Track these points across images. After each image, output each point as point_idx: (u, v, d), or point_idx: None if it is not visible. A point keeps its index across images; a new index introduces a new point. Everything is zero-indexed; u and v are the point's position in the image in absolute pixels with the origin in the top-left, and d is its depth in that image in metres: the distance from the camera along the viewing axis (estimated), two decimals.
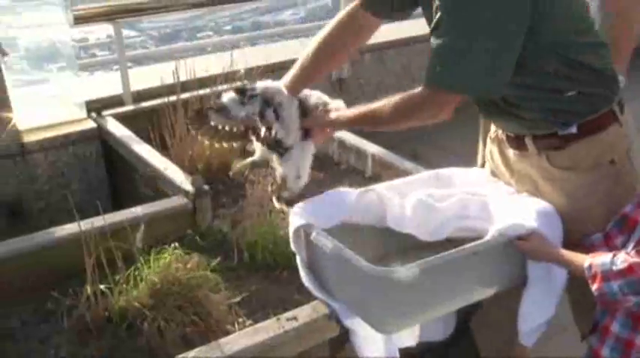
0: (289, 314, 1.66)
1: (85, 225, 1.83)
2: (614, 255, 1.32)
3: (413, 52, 4.46)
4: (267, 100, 1.69)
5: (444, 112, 1.56)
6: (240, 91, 1.70)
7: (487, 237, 1.54)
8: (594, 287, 1.33)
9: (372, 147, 2.62)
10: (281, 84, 1.76)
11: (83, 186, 2.85)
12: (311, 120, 1.74)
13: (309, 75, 1.77)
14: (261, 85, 1.74)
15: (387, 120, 1.60)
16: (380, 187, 1.79)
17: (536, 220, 1.53)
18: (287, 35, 4.83)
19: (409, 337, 1.69)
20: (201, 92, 2.62)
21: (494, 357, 1.92)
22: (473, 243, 1.51)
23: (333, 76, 4.06)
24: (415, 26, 4.72)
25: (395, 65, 4.39)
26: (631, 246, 1.35)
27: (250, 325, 1.73)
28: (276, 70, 3.74)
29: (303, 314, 1.65)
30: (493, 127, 1.79)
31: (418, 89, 1.54)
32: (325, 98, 1.77)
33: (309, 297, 1.79)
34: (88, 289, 1.75)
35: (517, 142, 1.65)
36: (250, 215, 2.11)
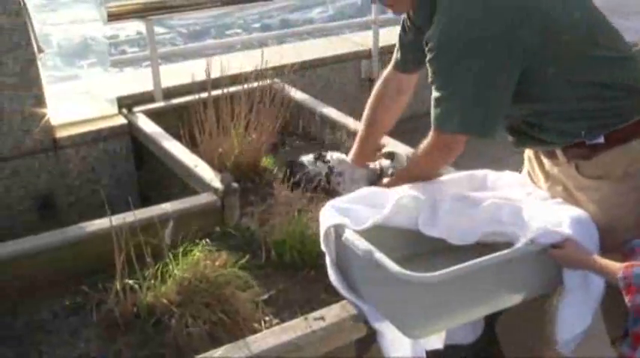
0: (317, 313, 1.65)
1: (116, 220, 1.84)
2: None
3: None
4: (331, 167, 2.26)
5: (453, 151, 1.74)
6: (317, 157, 2.30)
7: (519, 244, 1.52)
8: (627, 298, 1.29)
9: (399, 147, 2.58)
10: (348, 157, 2.28)
11: (113, 181, 2.88)
12: (379, 185, 1.97)
13: (370, 145, 2.26)
14: (332, 154, 2.32)
15: (424, 172, 1.87)
16: (415, 190, 1.78)
17: (570, 227, 1.51)
18: (316, 33, 4.82)
19: (436, 340, 1.67)
20: (232, 89, 2.62)
21: None
22: (506, 251, 1.49)
23: (362, 74, 4.04)
24: None
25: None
26: None
27: (277, 324, 1.73)
28: (307, 67, 3.75)
29: (331, 313, 1.64)
30: None
31: (428, 138, 1.78)
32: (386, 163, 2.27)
33: (336, 297, 1.78)
34: (117, 284, 1.76)
35: (548, 151, 1.67)
36: (278, 213, 2.11)
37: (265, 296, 1.88)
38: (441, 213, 1.67)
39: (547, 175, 1.71)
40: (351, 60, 3.97)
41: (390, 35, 4.31)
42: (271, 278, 1.97)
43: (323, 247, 1.73)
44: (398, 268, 1.41)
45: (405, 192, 1.77)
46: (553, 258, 1.49)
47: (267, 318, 1.81)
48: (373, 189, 1.83)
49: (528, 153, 1.84)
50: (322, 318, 1.63)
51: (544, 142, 1.64)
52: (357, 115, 3.49)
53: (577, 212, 1.58)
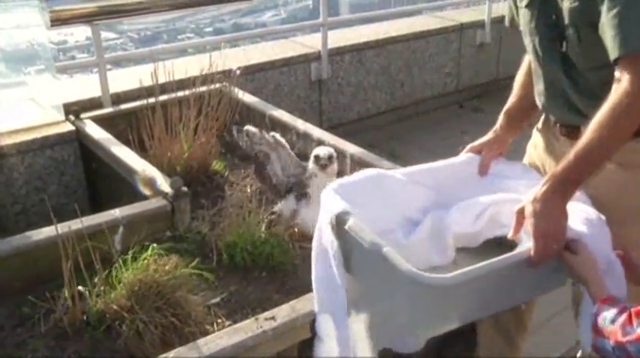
0: (267, 313, 1.67)
1: (62, 228, 1.82)
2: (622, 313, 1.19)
3: (392, 52, 4.50)
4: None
5: None
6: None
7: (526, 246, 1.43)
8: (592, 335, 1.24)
9: (350, 147, 2.63)
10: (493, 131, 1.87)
11: (61, 189, 2.83)
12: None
13: (520, 113, 1.85)
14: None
15: (614, 139, 1.37)
16: (421, 174, 1.67)
17: (583, 229, 1.40)
18: (268, 37, 4.83)
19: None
20: (180, 94, 2.61)
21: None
22: (518, 251, 1.40)
23: (312, 76, 4.08)
24: (394, 27, 4.78)
25: (374, 65, 4.42)
26: None
27: (229, 325, 1.74)
28: (255, 71, 3.77)
29: (282, 313, 1.66)
30: (542, 118, 1.75)
31: (617, 83, 1.33)
32: None
33: (288, 297, 1.80)
34: (66, 292, 1.74)
35: (569, 131, 1.59)
36: (229, 216, 2.12)
37: (217, 299, 1.89)
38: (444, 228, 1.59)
39: (558, 160, 1.54)
40: (301, 62, 4.00)
41: (339, 37, 4.38)
42: (223, 281, 1.98)
43: (323, 235, 1.55)
44: (409, 267, 1.29)
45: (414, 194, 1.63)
46: (564, 263, 1.38)
47: (219, 320, 1.82)
48: (381, 173, 1.65)
49: (535, 140, 1.77)
50: (273, 318, 1.64)
51: (580, 113, 1.51)
52: (307, 117, 3.53)
53: (589, 212, 1.47)
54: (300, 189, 2.11)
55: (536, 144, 1.80)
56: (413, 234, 1.61)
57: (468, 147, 1.80)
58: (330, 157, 2.09)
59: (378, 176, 1.64)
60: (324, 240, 1.52)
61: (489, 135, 1.81)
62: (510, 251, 1.41)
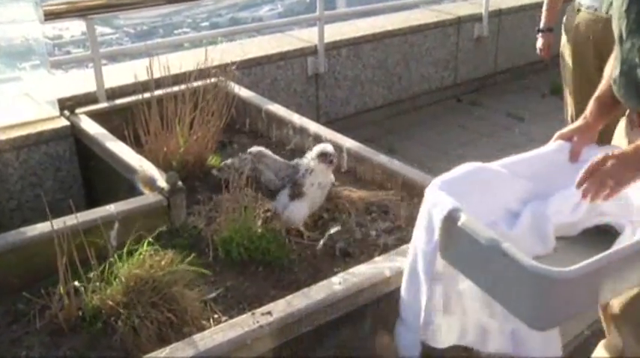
0: (264, 308, 1.66)
1: (57, 223, 1.81)
2: None
3: (389, 46, 4.48)
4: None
5: None
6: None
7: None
8: None
9: (347, 142, 2.62)
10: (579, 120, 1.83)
11: (56, 184, 2.81)
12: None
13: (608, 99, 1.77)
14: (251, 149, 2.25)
15: None
16: (518, 165, 1.66)
17: None
18: (264, 31, 4.81)
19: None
20: (175, 89, 2.60)
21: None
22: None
23: (309, 71, 4.07)
24: (390, 21, 4.76)
25: (371, 59, 4.41)
26: None
27: (226, 321, 1.73)
28: (251, 66, 3.76)
29: (278, 308, 1.65)
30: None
31: None
32: None
33: (284, 293, 1.79)
34: (61, 288, 1.73)
35: None
36: (225, 211, 2.11)
37: (213, 294, 1.88)
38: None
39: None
40: (298, 57, 3.99)
41: (336, 31, 4.36)
42: (220, 276, 1.97)
43: (421, 234, 1.52)
44: (532, 262, 1.29)
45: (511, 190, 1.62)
46: None
47: (215, 316, 1.81)
48: (481, 166, 1.63)
49: (620, 126, 1.75)
50: (269, 313, 1.64)
51: None
52: (304, 112, 3.52)
53: None
54: (296, 189, 2.11)
55: (620, 131, 1.77)
56: (515, 225, 1.61)
57: (558, 134, 1.76)
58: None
59: (479, 169, 1.61)
60: (424, 239, 1.52)
61: (579, 122, 1.77)
62: (609, 238, 1.44)
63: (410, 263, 1.60)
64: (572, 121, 2.97)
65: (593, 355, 1.84)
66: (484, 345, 1.65)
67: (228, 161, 2.24)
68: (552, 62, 3.33)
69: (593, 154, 1.67)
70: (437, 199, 1.49)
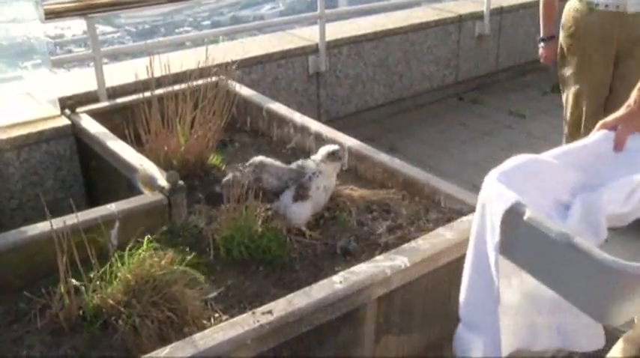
0: (264, 308, 1.65)
1: (58, 222, 1.81)
2: None
3: (390, 44, 4.47)
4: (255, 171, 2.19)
5: None
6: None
7: None
8: None
9: (348, 140, 2.61)
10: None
11: (57, 184, 2.81)
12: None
13: None
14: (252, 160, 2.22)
15: None
16: (570, 156, 1.64)
17: None
18: (266, 29, 4.80)
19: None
20: (177, 87, 2.59)
21: None
22: None
23: (310, 69, 4.06)
24: (392, 19, 4.75)
25: (372, 58, 4.40)
26: None
27: (226, 320, 1.73)
28: (252, 64, 3.75)
29: (279, 307, 1.65)
30: None
31: None
32: None
33: (285, 291, 1.79)
34: (62, 288, 1.73)
35: None
36: (226, 210, 2.11)
37: (214, 293, 1.88)
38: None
39: None
40: (299, 55, 3.98)
41: (337, 30, 4.36)
42: (220, 275, 1.97)
43: (482, 229, 1.48)
44: (607, 256, 1.25)
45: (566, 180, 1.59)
46: None
47: (216, 315, 1.81)
48: (534, 157, 1.60)
49: None
50: (270, 312, 1.63)
51: None
52: (305, 110, 3.51)
53: None
54: (302, 191, 2.11)
55: None
56: (568, 217, 1.59)
57: (601, 123, 1.75)
58: None
59: (532, 161, 1.58)
60: (487, 237, 1.47)
61: (622, 111, 1.75)
62: None
63: (471, 261, 1.55)
64: (581, 121, 2.94)
65: (615, 348, 1.82)
66: (534, 344, 1.61)
67: (229, 176, 2.20)
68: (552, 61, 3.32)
69: (638, 143, 1.68)
70: (497, 192, 1.44)
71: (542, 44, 3.20)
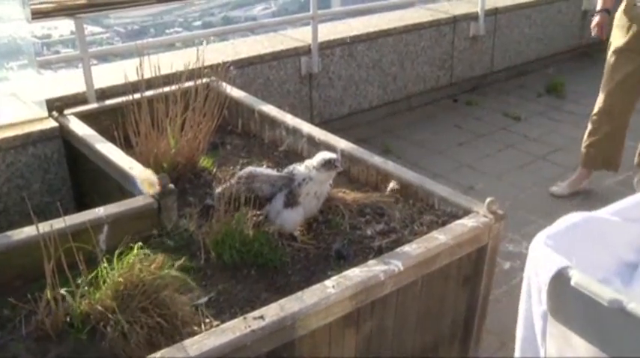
0: (256, 313, 1.62)
1: (44, 227, 1.76)
2: None
3: (383, 45, 4.45)
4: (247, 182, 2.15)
5: None
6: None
7: None
8: None
9: (341, 143, 2.58)
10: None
11: (45, 187, 2.76)
12: None
13: None
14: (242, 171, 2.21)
15: None
16: (631, 210, 1.56)
17: None
18: (258, 30, 4.77)
19: None
20: (166, 89, 2.55)
21: None
22: None
23: (303, 71, 4.03)
24: (385, 20, 4.73)
25: (365, 59, 4.37)
26: None
27: (217, 325, 1.69)
28: (244, 66, 3.71)
29: (270, 312, 1.62)
30: None
31: None
32: None
33: (277, 296, 1.76)
34: (48, 293, 1.69)
35: None
36: (217, 214, 2.07)
37: (205, 299, 1.84)
38: None
39: None
40: (291, 56, 3.95)
41: (330, 30, 4.33)
42: (211, 279, 1.94)
43: (529, 296, 1.41)
44: None
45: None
46: None
47: (207, 320, 1.77)
48: (589, 216, 1.51)
49: None
50: (261, 317, 1.60)
51: None
52: (297, 112, 3.48)
53: None
54: (291, 198, 2.09)
55: None
56: (634, 279, 1.50)
57: None
58: None
59: (586, 219, 1.51)
60: (533, 301, 1.42)
61: None
62: None
63: (523, 327, 1.49)
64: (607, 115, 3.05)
65: None
66: None
67: (219, 189, 2.17)
68: (552, 61, 3.33)
69: None
70: (543, 257, 1.38)
71: (597, 16, 3.35)
